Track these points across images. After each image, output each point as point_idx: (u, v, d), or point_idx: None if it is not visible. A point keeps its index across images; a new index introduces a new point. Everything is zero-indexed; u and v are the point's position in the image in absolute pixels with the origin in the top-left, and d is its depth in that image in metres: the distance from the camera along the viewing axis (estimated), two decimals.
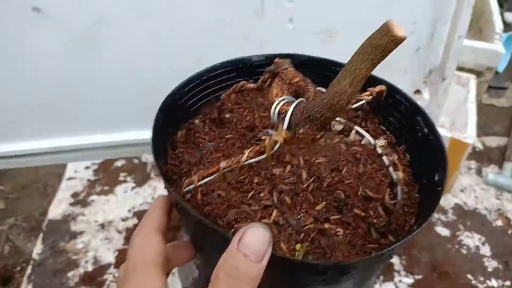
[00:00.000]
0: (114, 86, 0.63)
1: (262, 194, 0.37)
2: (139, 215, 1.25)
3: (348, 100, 0.29)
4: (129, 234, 1.22)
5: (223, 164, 0.32)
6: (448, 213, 1.22)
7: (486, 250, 1.14)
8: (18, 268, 1.17)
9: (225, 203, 0.36)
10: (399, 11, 0.59)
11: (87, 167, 1.38)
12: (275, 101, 0.33)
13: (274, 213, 0.35)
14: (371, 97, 0.39)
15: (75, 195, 1.30)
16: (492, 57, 1.37)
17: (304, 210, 0.36)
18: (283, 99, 0.33)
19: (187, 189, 0.34)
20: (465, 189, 1.28)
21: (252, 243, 0.28)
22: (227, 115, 0.45)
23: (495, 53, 1.36)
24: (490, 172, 1.31)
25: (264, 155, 0.32)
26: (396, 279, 1.08)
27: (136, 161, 1.41)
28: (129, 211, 1.27)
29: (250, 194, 0.36)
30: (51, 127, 0.65)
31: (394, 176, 0.33)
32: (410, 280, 1.07)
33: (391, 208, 0.36)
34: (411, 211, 0.40)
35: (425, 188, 0.41)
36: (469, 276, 1.08)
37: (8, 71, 0.60)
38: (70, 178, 1.35)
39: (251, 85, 0.41)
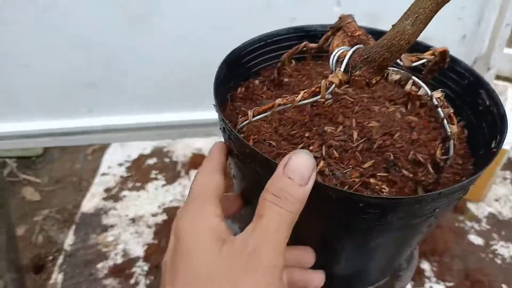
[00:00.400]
0: (164, 67, 0.65)
1: (311, 147, 0.37)
2: (169, 211, 1.27)
3: (409, 40, 0.29)
4: (158, 229, 1.23)
5: (278, 100, 0.33)
6: (481, 222, 1.19)
7: None
8: (50, 258, 1.19)
9: (275, 151, 0.36)
10: None
11: (120, 164, 1.41)
12: (335, 50, 0.34)
13: (321, 163, 0.35)
14: (433, 56, 0.38)
15: (108, 190, 1.33)
16: None
17: (351, 166, 0.36)
18: (343, 48, 0.34)
19: (242, 124, 0.35)
20: (499, 198, 1.25)
21: (297, 167, 0.29)
22: (286, 79, 0.46)
23: None
24: None
25: (319, 96, 0.32)
26: (427, 285, 1.05)
27: (167, 160, 1.43)
28: (159, 207, 1.29)
29: (300, 146, 0.37)
30: (99, 105, 0.67)
31: (448, 130, 0.33)
32: (441, 287, 1.05)
33: (441, 164, 0.36)
34: (463, 179, 0.40)
35: (480, 159, 0.41)
36: (504, 286, 1.04)
37: (61, 46, 0.63)
38: (104, 174, 1.38)
39: (313, 45, 0.41)
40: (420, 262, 1.10)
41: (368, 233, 0.36)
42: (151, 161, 1.43)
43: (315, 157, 0.36)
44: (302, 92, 0.33)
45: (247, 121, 0.34)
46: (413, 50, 0.38)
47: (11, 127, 0.70)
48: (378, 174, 0.37)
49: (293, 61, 0.50)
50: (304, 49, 0.42)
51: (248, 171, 0.36)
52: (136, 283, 1.11)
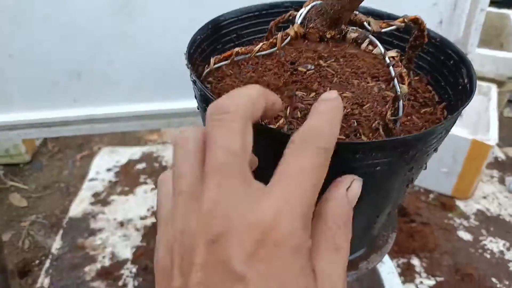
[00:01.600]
0: (150, 55, 0.65)
1: None
2: None
3: None
4: (147, 232, 1.22)
5: (237, 49, 0.34)
6: (470, 219, 1.19)
7: (511, 255, 1.10)
8: (37, 262, 1.18)
9: None
10: None
11: (108, 169, 1.41)
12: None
13: (281, 121, 0.36)
14: (403, 24, 0.39)
15: (96, 195, 1.32)
16: None
17: None
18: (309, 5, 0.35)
19: (206, 72, 0.36)
20: (487, 196, 1.26)
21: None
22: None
23: None
24: None
25: (275, 48, 0.33)
26: (417, 280, 1.05)
27: (156, 164, 1.43)
28: (148, 210, 1.29)
29: None
30: (84, 95, 0.67)
31: (398, 89, 0.33)
32: (431, 282, 1.04)
33: (390, 125, 0.36)
34: None
35: None
36: (494, 279, 1.04)
37: (46, 35, 0.63)
38: (92, 179, 1.38)
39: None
40: (410, 258, 1.10)
41: None
42: (140, 166, 1.42)
43: (279, 116, 0.37)
44: (260, 44, 0.34)
45: (209, 68, 0.35)
46: None
47: None
48: None
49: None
50: (290, 17, 0.43)
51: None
52: (124, 285, 1.09)
